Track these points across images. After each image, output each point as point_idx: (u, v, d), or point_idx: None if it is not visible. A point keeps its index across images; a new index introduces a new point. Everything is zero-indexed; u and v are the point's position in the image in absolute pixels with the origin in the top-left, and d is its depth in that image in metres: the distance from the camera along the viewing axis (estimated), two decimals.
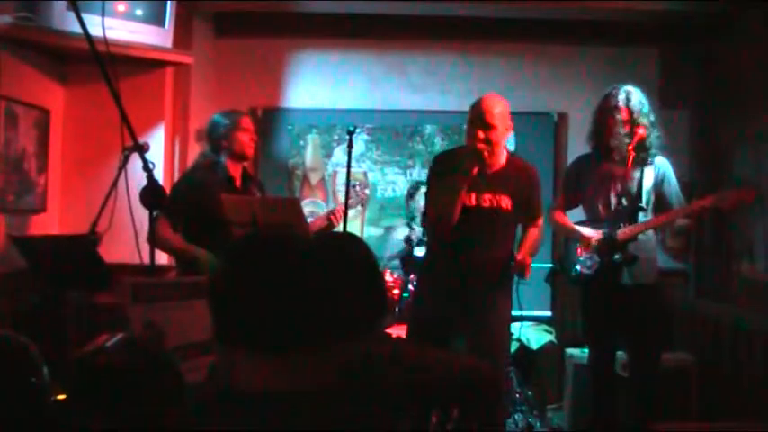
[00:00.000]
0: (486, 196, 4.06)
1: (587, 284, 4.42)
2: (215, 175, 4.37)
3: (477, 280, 4.05)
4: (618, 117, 4.30)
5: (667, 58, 6.17)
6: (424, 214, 4.37)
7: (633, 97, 4.34)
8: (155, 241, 3.56)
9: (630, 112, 4.30)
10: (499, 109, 4.01)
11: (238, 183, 4.46)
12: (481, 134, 3.97)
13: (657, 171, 4.37)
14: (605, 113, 4.37)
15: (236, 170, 4.45)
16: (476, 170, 3.96)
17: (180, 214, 4.22)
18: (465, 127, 4.14)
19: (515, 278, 4.25)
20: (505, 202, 4.07)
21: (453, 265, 4.08)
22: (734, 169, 5.49)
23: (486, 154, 3.97)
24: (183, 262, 4.35)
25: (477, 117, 3.99)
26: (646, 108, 4.35)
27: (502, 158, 4.13)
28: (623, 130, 4.28)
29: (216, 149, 4.42)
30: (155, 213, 3.39)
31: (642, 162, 4.33)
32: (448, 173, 4.07)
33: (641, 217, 4.29)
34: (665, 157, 4.43)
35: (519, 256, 4.09)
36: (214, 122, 4.46)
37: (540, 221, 4.29)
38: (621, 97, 4.34)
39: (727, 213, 4.45)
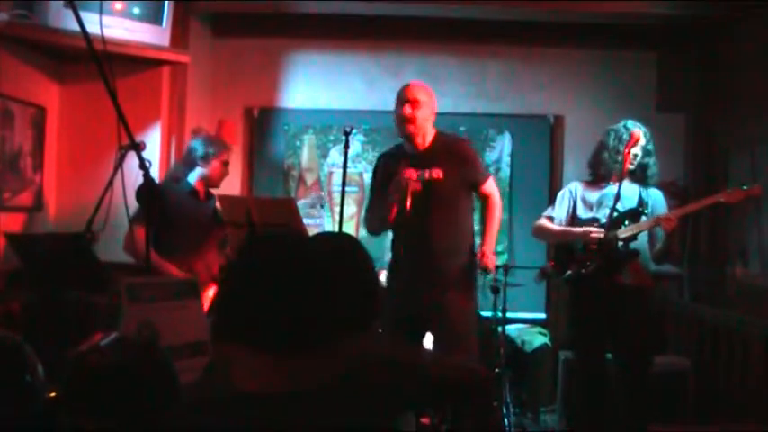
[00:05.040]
0: (416, 173, 4.21)
1: (579, 284, 4.45)
2: (183, 187, 4.75)
3: (434, 261, 4.16)
4: (615, 144, 4.42)
5: (665, 62, 6.17)
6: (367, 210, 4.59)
7: (633, 129, 4.45)
8: (134, 252, 4.24)
9: (634, 137, 4.41)
10: (422, 88, 4.36)
11: (202, 196, 4.81)
12: (407, 110, 4.23)
13: (655, 197, 4.49)
14: (604, 142, 4.52)
15: (200, 186, 4.81)
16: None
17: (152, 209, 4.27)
18: (394, 116, 4.37)
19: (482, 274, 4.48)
20: (437, 173, 4.21)
21: (411, 247, 4.24)
22: (730, 173, 5.50)
23: (412, 130, 4.24)
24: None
25: (403, 95, 4.30)
26: (647, 137, 4.48)
27: (429, 137, 4.34)
28: (619, 156, 4.41)
29: (191, 167, 4.77)
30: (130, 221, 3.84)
31: (640, 184, 4.47)
32: (390, 165, 4.30)
33: (642, 219, 4.36)
34: (659, 189, 4.56)
35: (479, 254, 4.24)
36: (199, 143, 4.80)
37: (487, 184, 4.38)
38: (622, 128, 4.49)
39: (725, 214, 4.49)
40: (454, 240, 4.22)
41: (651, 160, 4.47)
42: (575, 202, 4.58)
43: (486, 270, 4.27)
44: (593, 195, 4.53)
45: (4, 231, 4.57)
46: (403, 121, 4.24)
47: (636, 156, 4.41)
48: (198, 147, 4.75)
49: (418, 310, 4.15)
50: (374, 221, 4.38)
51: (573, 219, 4.57)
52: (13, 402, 1.80)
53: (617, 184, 4.40)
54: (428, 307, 4.13)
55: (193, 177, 4.75)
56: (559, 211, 4.63)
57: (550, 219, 4.66)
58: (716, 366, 5.22)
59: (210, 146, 4.77)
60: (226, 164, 4.84)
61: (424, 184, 4.17)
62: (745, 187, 4.23)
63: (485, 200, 4.37)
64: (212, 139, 4.93)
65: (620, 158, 4.39)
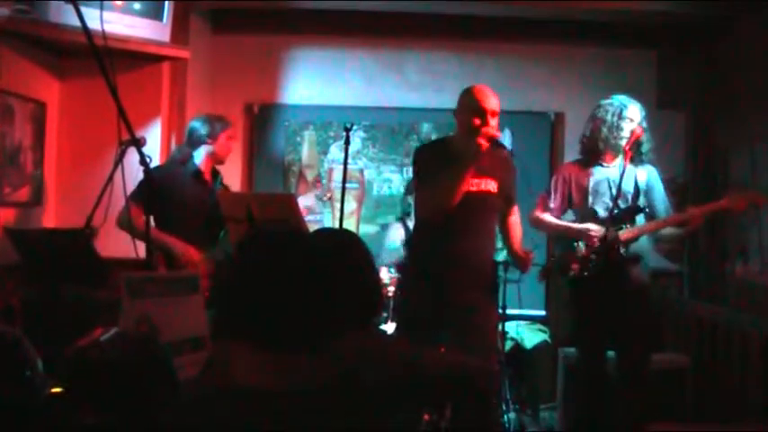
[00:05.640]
0: (474, 180, 4.03)
1: (581, 284, 4.44)
2: (186, 169, 4.66)
3: (464, 268, 4.03)
4: (615, 120, 4.36)
5: (665, 60, 6.17)
6: (413, 203, 4.33)
7: (630, 104, 4.43)
8: (129, 227, 4.11)
9: (629, 116, 4.37)
10: (495, 95, 4.03)
11: (207, 177, 4.73)
12: (489, 119, 3.96)
13: (648, 177, 4.43)
14: (602, 117, 4.41)
15: (207, 167, 4.73)
16: (482, 150, 3.91)
17: (152, 201, 4.26)
18: (457, 116, 4.10)
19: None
20: (492, 186, 4.08)
21: (442, 251, 4.05)
22: (730, 171, 5.50)
23: (495, 136, 3.94)
24: (160, 249, 4.36)
25: (479, 105, 3.97)
26: (643, 114, 4.43)
27: None
28: (620, 131, 4.33)
29: (195, 146, 4.70)
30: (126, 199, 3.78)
31: (635, 165, 4.39)
32: (442, 161, 4.03)
33: (640, 217, 4.35)
34: (653, 166, 4.50)
35: (521, 253, 4.18)
36: (201, 122, 4.72)
37: (516, 209, 4.32)
38: (618, 104, 4.44)
39: (736, 215, 4.46)
40: (487, 248, 4.15)
41: (645, 137, 4.41)
42: (569, 189, 4.55)
43: (524, 268, 4.24)
44: (588, 180, 4.48)
45: (3, 226, 4.57)
46: (479, 134, 3.89)
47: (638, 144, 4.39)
48: (201, 125, 4.69)
49: (443, 307, 4.06)
50: (440, 198, 3.98)
51: (568, 206, 4.55)
52: (12, 397, 1.80)
53: (611, 165, 4.41)
54: (454, 306, 4.05)
55: (199, 157, 4.68)
56: (554, 199, 4.59)
57: (546, 209, 4.62)
58: (715, 364, 5.23)
59: (217, 122, 4.72)
60: (233, 138, 4.84)
61: (477, 192, 4.02)
62: (749, 193, 4.23)
63: (509, 213, 4.30)
64: (214, 116, 4.84)
65: (622, 134, 4.36)
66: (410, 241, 4.34)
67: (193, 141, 4.70)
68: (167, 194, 4.39)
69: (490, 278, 4.21)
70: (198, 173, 4.67)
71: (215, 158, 4.74)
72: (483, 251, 4.13)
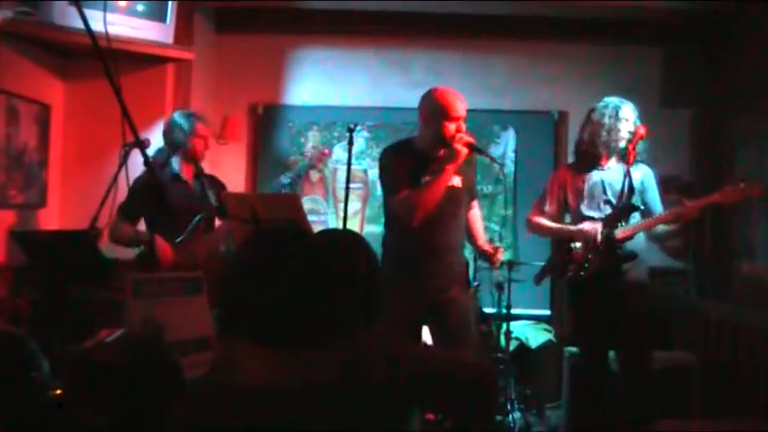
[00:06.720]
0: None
1: (579, 285, 4.43)
2: (165, 172, 4.59)
3: (442, 264, 4.06)
4: (612, 123, 4.34)
5: (670, 57, 6.16)
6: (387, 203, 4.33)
7: (623, 104, 4.41)
8: (117, 239, 4.32)
9: (624, 116, 4.36)
10: (461, 99, 4.03)
11: (186, 177, 4.64)
12: (461, 124, 3.98)
13: (643, 176, 4.42)
14: (599, 121, 4.39)
15: (187, 167, 4.65)
16: (461, 159, 3.96)
17: (136, 209, 4.37)
18: (422, 118, 4.08)
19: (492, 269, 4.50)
20: (457, 181, 4.08)
21: (419, 249, 4.05)
22: (737, 168, 5.49)
23: (471, 142, 3.99)
24: (147, 249, 4.37)
25: (449, 113, 3.98)
26: (636, 113, 4.42)
27: None
28: (618, 133, 4.32)
29: (170, 147, 4.62)
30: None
31: (632, 165, 4.38)
32: (411, 165, 4.05)
33: (636, 216, 4.33)
34: (648, 165, 4.48)
35: (486, 249, 4.20)
36: (171, 124, 4.62)
37: (477, 203, 4.35)
38: (613, 105, 4.42)
39: (731, 208, 4.44)
40: (459, 243, 4.18)
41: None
42: (565, 193, 4.54)
43: (496, 263, 4.22)
44: (584, 184, 4.46)
45: (9, 228, 4.59)
46: (453, 140, 3.93)
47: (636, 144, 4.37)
48: (165, 133, 4.61)
49: (422, 305, 4.09)
50: (418, 204, 3.97)
51: (565, 210, 4.54)
52: (17, 398, 1.81)
53: (606, 168, 4.40)
54: (434, 303, 4.08)
55: (176, 161, 4.61)
56: (550, 203, 4.58)
57: (542, 212, 4.61)
58: (721, 362, 5.21)
59: (182, 121, 4.59)
60: (202, 136, 4.64)
61: (446, 188, 4.01)
62: (743, 185, 4.17)
63: (470, 207, 4.31)
64: (180, 119, 4.64)
65: (620, 135, 4.33)
66: (385, 241, 4.29)
67: (170, 144, 4.63)
68: (152, 200, 4.36)
69: (466, 272, 4.23)
70: (176, 176, 4.60)
71: (190, 158, 4.63)
72: (457, 246, 4.16)
